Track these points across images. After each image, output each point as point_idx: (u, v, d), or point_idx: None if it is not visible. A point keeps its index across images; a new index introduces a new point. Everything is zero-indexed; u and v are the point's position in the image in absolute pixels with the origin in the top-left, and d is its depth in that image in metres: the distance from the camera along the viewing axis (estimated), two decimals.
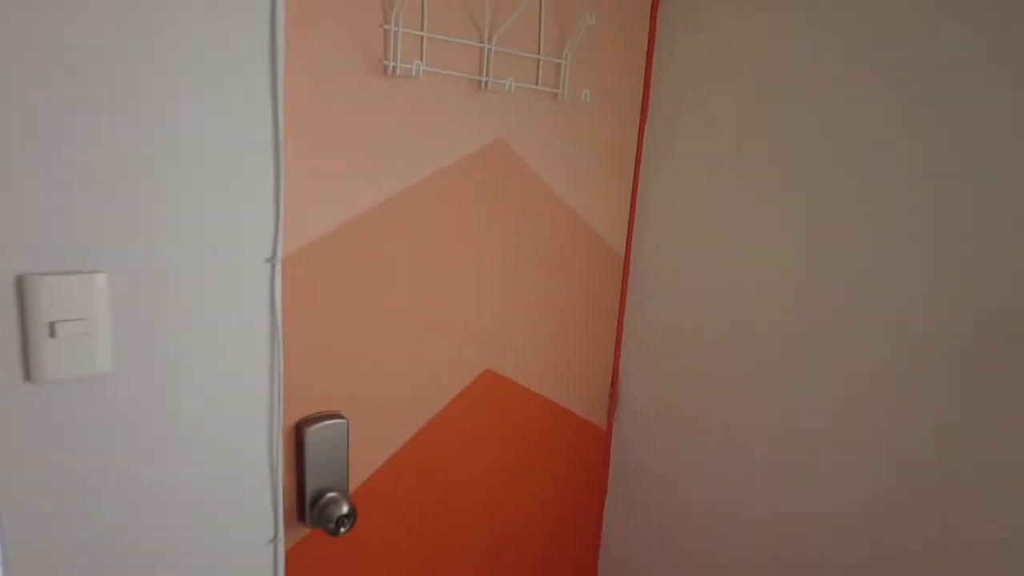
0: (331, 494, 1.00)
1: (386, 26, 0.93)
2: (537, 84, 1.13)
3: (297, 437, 0.97)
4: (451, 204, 1.07)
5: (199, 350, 0.81)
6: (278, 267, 0.84)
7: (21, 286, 0.68)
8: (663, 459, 1.37)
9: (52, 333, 0.69)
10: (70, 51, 0.67)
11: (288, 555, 0.99)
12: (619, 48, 1.24)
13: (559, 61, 1.14)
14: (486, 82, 1.05)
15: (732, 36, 1.17)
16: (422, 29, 0.97)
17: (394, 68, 0.94)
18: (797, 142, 1.09)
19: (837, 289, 1.07)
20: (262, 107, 0.80)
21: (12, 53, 0.64)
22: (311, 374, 0.97)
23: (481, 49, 1.04)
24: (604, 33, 1.20)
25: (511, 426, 1.27)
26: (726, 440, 1.25)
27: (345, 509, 0.97)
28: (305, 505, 0.99)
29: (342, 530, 0.97)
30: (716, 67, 1.20)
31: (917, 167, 0.96)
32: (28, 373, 0.69)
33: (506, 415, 1.25)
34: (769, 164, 1.14)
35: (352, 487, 1.06)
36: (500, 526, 1.30)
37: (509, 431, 1.27)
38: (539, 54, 1.12)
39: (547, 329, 1.28)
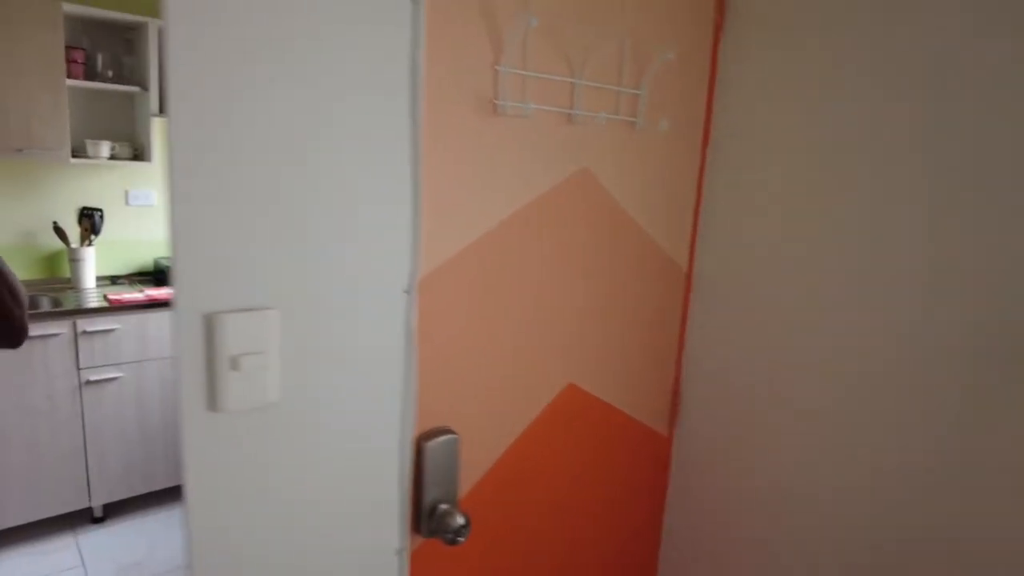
0: (444, 506, 1.06)
1: (497, 67, 0.99)
2: (618, 114, 1.20)
3: (416, 452, 1.03)
4: (541, 229, 1.14)
5: (345, 376, 0.87)
6: (414, 297, 0.91)
7: (209, 323, 0.74)
8: (721, 465, 1.45)
9: (235, 366, 0.75)
10: (250, 109, 0.73)
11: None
12: (684, 77, 1.32)
13: (636, 92, 1.22)
14: (575, 115, 1.12)
15: (791, 64, 1.25)
16: (524, 68, 1.03)
17: (504, 107, 1.01)
18: (851, 164, 1.18)
19: (903, 304, 1.14)
20: (403, 150, 0.86)
21: (208, 120, 0.70)
22: (426, 392, 1.03)
23: (571, 84, 1.11)
24: (672, 64, 1.28)
25: (588, 435, 1.34)
26: (781, 447, 1.33)
27: (461, 520, 1.04)
28: (421, 516, 1.05)
29: (460, 539, 1.03)
30: (775, 94, 1.28)
31: (991, 183, 1.04)
32: (213, 404, 0.75)
33: (584, 425, 1.32)
34: (824, 188, 1.22)
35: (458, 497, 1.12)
36: (575, 528, 1.37)
37: (586, 440, 1.34)
38: (619, 86, 1.19)
39: (618, 342, 1.35)
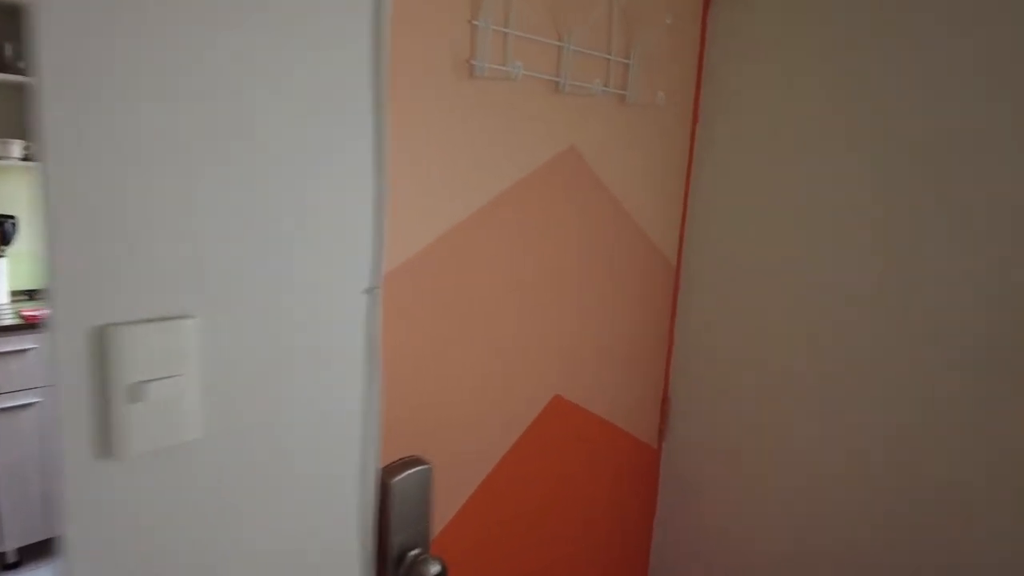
0: (415, 551, 0.88)
1: (475, 22, 0.82)
2: (608, 86, 1.04)
3: (380, 489, 0.85)
4: (525, 220, 0.97)
5: (289, 401, 0.68)
6: (378, 298, 0.72)
7: (99, 340, 0.54)
8: (711, 478, 1.31)
9: (137, 397, 0.56)
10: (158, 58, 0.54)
11: None
12: (673, 49, 1.17)
13: (627, 62, 1.06)
14: (563, 84, 0.96)
15: (786, 39, 1.12)
16: (506, 25, 0.87)
17: (481, 69, 0.84)
18: (847, 151, 1.05)
19: (906, 302, 1.02)
20: (362, 117, 0.68)
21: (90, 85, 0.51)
22: (390, 416, 0.85)
23: (559, 48, 0.95)
24: (661, 33, 1.13)
25: (576, 452, 1.17)
26: (775, 458, 1.20)
27: (436, 568, 0.86)
28: (387, 566, 0.86)
29: None
30: (768, 71, 1.15)
31: (1006, 168, 0.93)
32: (107, 448, 0.56)
33: (572, 441, 1.16)
34: (819, 175, 1.09)
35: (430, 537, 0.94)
36: (562, 549, 1.20)
37: (574, 458, 1.17)
38: (609, 54, 1.03)
39: (607, 347, 1.19)
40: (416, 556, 0.87)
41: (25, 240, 2.94)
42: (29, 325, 2.54)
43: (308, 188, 0.65)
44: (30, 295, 2.96)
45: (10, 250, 2.84)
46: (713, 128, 1.24)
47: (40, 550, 2.70)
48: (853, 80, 1.04)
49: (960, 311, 0.96)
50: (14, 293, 2.92)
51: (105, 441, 0.56)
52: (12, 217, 2.83)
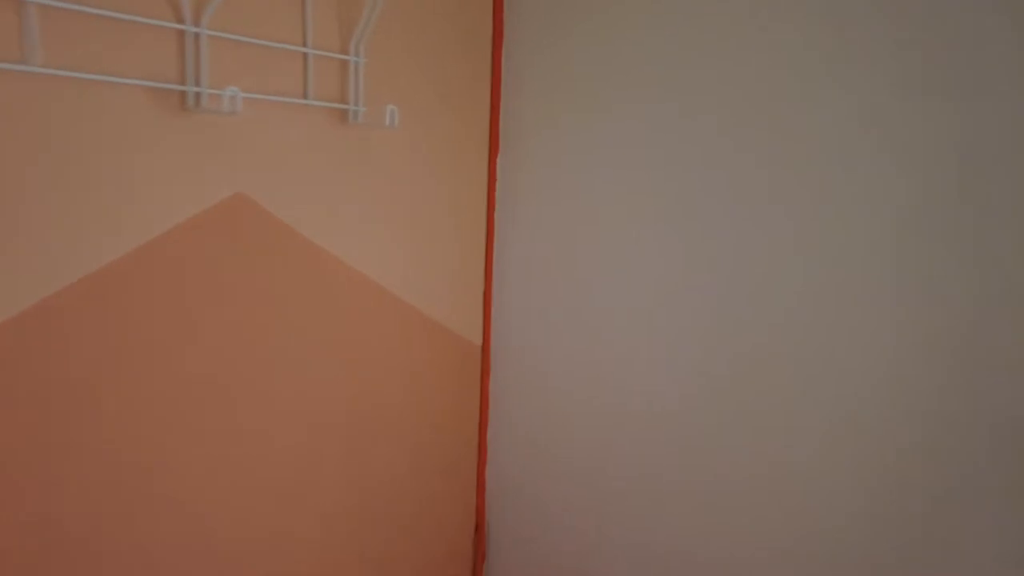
0: None
1: None
2: (306, 97, 0.66)
3: None
4: (143, 315, 0.58)
5: None
6: None
7: None
8: None
9: None
10: None
11: None
12: (449, 38, 0.80)
13: (346, 58, 0.68)
14: (196, 94, 0.57)
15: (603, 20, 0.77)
16: None
17: None
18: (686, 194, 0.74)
19: (733, 366, 0.79)
20: None
21: None
22: None
23: (180, 34, 0.56)
24: (423, 16, 0.75)
25: None
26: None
27: None
28: None
29: None
30: (590, 62, 0.80)
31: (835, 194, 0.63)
32: None
33: None
34: (653, 208, 0.78)
35: None
36: None
37: None
38: (306, 46, 0.65)
39: (368, 485, 0.81)
40: None
41: None
42: None
43: None
44: None
45: None
46: (520, 152, 0.88)
47: None
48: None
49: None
50: None
51: None
52: None
